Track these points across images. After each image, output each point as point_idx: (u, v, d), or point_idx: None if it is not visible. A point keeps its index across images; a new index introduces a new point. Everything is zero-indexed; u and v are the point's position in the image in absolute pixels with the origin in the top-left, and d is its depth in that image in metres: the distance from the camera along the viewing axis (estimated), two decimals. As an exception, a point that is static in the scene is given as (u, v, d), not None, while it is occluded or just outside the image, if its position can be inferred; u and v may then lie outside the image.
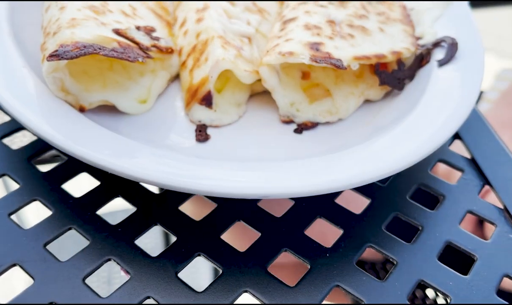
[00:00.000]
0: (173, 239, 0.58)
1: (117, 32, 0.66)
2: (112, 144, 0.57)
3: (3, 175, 0.63)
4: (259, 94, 0.74)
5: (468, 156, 0.71)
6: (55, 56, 0.56)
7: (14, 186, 0.62)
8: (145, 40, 0.67)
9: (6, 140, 0.69)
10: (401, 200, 0.63)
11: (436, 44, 0.77)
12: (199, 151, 0.64)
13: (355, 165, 0.54)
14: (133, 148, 0.57)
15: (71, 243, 0.61)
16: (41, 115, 0.60)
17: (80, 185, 0.66)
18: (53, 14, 0.68)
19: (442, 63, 0.72)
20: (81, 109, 0.64)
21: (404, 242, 0.58)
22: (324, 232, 0.62)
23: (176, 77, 0.77)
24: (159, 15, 0.83)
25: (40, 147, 0.67)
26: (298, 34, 0.70)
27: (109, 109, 0.68)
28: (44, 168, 0.66)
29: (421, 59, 0.76)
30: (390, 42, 0.75)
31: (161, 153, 0.57)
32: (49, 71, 0.60)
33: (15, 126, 0.70)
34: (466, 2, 0.88)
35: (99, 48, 0.59)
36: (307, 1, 0.80)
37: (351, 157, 0.56)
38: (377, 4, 0.88)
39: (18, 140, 0.73)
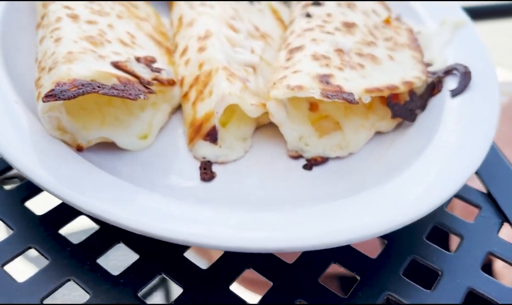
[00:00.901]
0: (178, 289, 0.54)
1: (116, 65, 0.62)
2: (110, 191, 0.53)
3: (-4, 219, 0.59)
4: (265, 126, 0.71)
5: (484, 189, 0.68)
6: (51, 96, 0.53)
7: (7, 231, 0.58)
8: (145, 74, 0.64)
9: (-2, 180, 0.65)
10: (418, 241, 0.60)
11: (447, 72, 0.74)
12: (204, 193, 0.60)
13: (373, 213, 0.51)
14: (132, 195, 0.53)
15: (69, 295, 0.58)
16: (34, 157, 0.56)
17: (78, 229, 0.62)
18: (48, 47, 0.64)
19: (455, 93, 0.69)
20: (79, 149, 0.60)
21: (423, 289, 0.55)
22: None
23: (177, 108, 0.73)
24: (159, 42, 0.80)
25: (35, 187, 0.63)
26: (306, 65, 0.67)
27: (107, 144, 0.64)
28: (39, 210, 0.62)
29: (433, 88, 0.73)
30: (401, 70, 0.73)
31: (162, 200, 0.53)
32: (45, 111, 0.57)
33: (7, 164, 0.66)
34: (473, 26, 0.85)
35: (98, 87, 0.55)
36: (313, 27, 0.77)
37: (368, 203, 0.53)
38: (384, 28, 0.86)
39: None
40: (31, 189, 0.63)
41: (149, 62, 0.68)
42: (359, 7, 0.88)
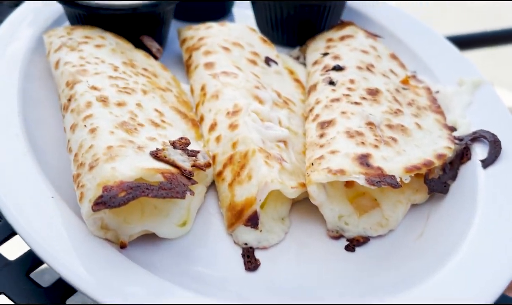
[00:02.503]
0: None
1: (156, 156, 0.61)
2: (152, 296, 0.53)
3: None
4: (299, 201, 0.71)
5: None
6: (101, 204, 0.52)
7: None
8: (185, 162, 0.63)
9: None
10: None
11: (474, 139, 0.75)
12: (248, 287, 0.59)
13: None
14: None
15: None
16: (76, 261, 0.55)
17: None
18: (83, 138, 0.63)
19: (487, 164, 0.70)
20: (122, 246, 0.58)
21: None
22: None
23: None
24: (184, 114, 0.79)
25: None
26: (342, 144, 0.67)
27: (146, 235, 0.63)
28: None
29: (462, 156, 0.74)
30: (431, 140, 0.73)
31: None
32: (90, 215, 0.55)
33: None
34: (491, 86, 0.87)
35: (147, 189, 0.54)
36: (339, 97, 0.77)
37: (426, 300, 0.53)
38: (404, 89, 0.87)
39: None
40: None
41: (184, 145, 0.67)
42: (378, 68, 0.90)
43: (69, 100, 0.71)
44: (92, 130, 0.63)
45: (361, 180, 0.61)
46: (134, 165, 0.57)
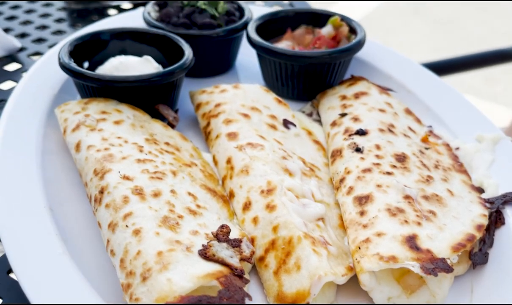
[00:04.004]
0: None
1: (205, 256, 0.60)
2: None
3: None
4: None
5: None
6: (166, 326, 0.49)
7: None
8: (233, 258, 0.62)
9: None
10: None
11: (505, 202, 0.76)
12: None
13: None
14: None
15: None
16: None
17: None
18: (127, 241, 0.60)
19: (524, 231, 0.72)
20: None
21: None
22: None
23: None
24: (213, 192, 0.78)
25: None
26: (387, 224, 0.67)
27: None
28: None
29: (495, 221, 0.75)
30: (465, 208, 0.74)
31: None
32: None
33: None
34: (510, 141, 0.89)
35: (208, 303, 0.52)
36: (370, 168, 0.77)
37: None
38: (426, 149, 0.88)
39: None
40: None
41: (226, 235, 0.65)
42: (398, 128, 0.90)
43: (101, 192, 0.69)
44: (136, 232, 0.61)
45: (416, 269, 0.61)
46: (188, 273, 0.56)
